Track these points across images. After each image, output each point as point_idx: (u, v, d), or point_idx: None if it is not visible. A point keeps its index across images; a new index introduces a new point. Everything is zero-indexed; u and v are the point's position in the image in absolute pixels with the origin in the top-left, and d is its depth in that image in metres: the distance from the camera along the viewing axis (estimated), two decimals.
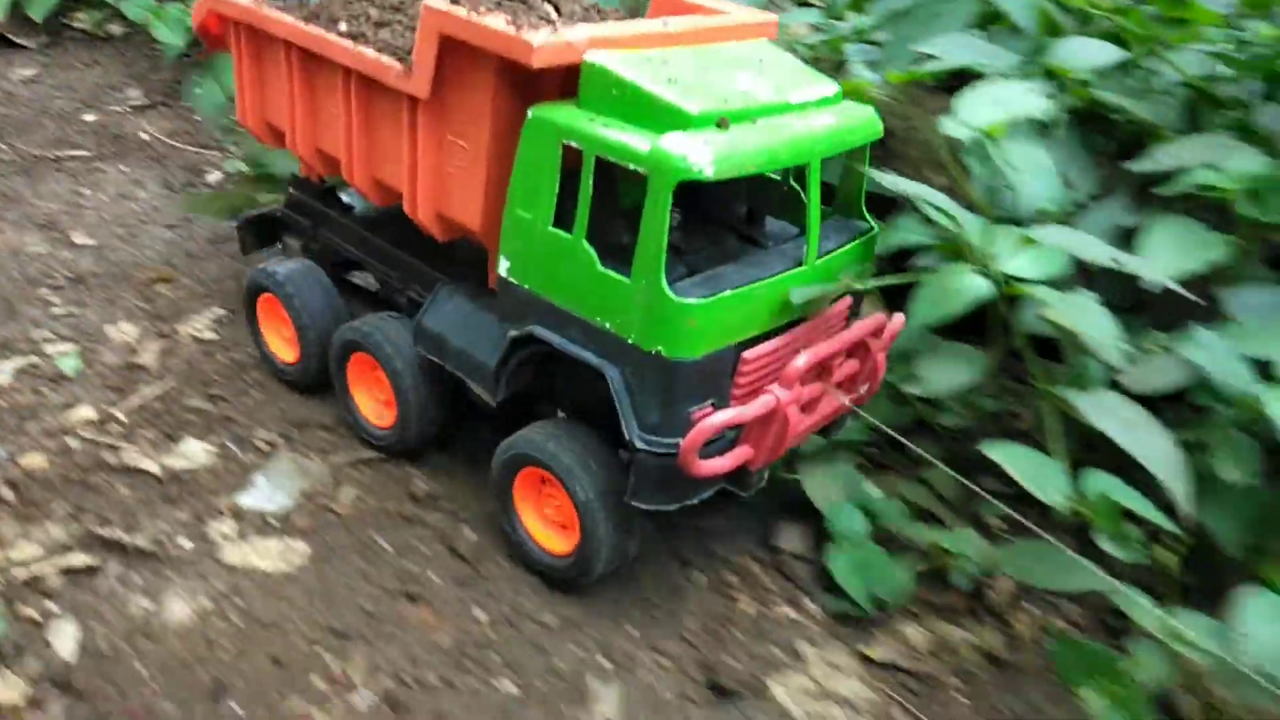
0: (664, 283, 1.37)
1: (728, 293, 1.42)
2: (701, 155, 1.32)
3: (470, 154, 1.62)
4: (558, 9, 1.74)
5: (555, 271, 1.51)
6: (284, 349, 2.19)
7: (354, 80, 1.74)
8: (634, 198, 1.42)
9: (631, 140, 1.36)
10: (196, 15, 2.08)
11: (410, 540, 1.81)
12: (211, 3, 2.02)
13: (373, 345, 1.90)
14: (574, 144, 1.42)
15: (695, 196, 1.89)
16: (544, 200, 1.48)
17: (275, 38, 1.87)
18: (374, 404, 2.01)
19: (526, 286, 1.56)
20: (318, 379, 2.12)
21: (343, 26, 1.72)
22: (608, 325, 1.46)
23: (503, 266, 1.59)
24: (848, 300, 1.67)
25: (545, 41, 1.38)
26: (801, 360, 1.48)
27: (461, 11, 1.46)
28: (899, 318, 1.73)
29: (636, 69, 1.42)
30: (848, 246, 1.63)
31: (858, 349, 1.65)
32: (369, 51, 1.65)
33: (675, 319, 1.39)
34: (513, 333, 1.61)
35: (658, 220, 1.35)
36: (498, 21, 1.43)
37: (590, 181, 1.42)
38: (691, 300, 1.39)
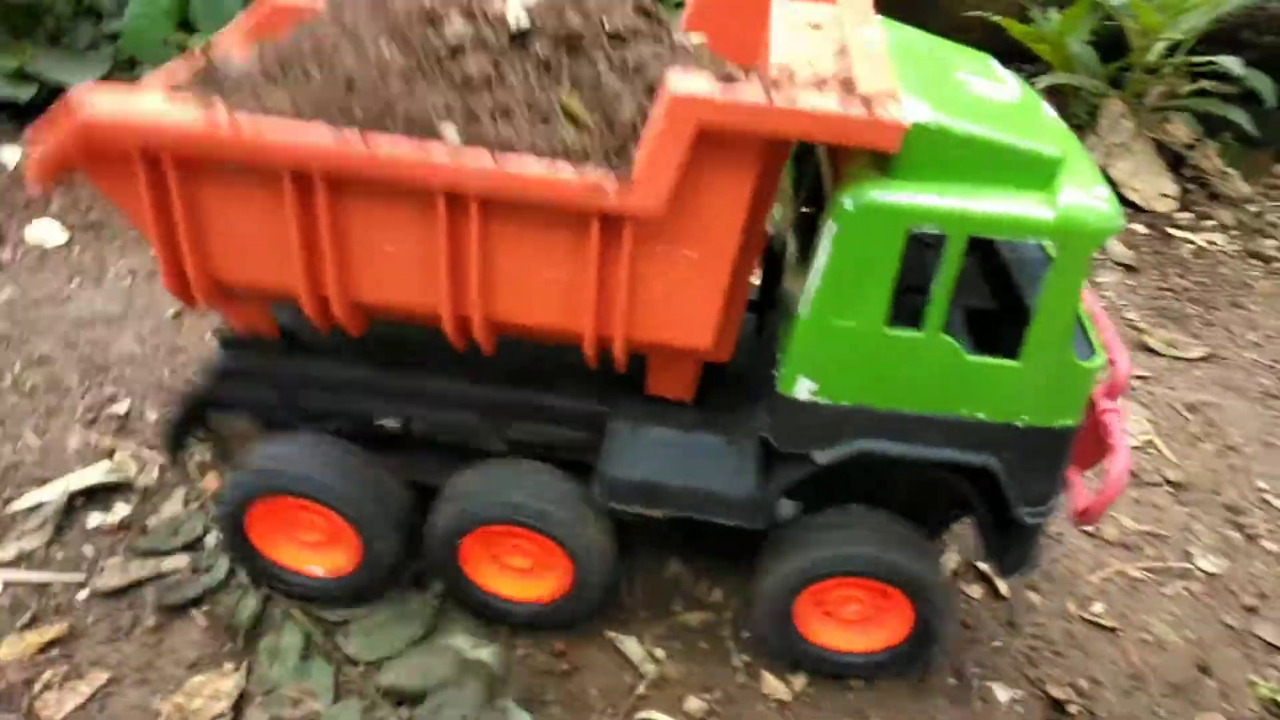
0: (1074, 355, 1.21)
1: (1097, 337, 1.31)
2: (1107, 205, 1.15)
3: (701, 264, 1.23)
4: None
5: (895, 376, 1.25)
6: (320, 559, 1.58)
7: (474, 205, 1.20)
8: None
9: (1028, 210, 1.13)
10: (55, 144, 1.21)
11: None
12: (95, 120, 1.19)
13: (533, 518, 1.45)
14: (929, 228, 1.14)
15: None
16: (876, 301, 1.20)
17: (276, 164, 1.20)
18: (513, 578, 1.56)
19: (844, 403, 1.28)
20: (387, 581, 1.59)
21: (450, 131, 1.14)
22: (981, 415, 1.26)
23: (803, 389, 1.27)
24: None
25: (906, 116, 1.06)
26: (1124, 361, 1.38)
27: (754, 93, 1.05)
28: None
29: (959, 116, 1.16)
30: None
31: None
32: (534, 164, 1.14)
33: (1085, 386, 1.25)
34: (825, 457, 1.32)
35: (1069, 293, 1.16)
36: (827, 101, 1.05)
37: (956, 267, 1.16)
38: (1097, 360, 1.25)
